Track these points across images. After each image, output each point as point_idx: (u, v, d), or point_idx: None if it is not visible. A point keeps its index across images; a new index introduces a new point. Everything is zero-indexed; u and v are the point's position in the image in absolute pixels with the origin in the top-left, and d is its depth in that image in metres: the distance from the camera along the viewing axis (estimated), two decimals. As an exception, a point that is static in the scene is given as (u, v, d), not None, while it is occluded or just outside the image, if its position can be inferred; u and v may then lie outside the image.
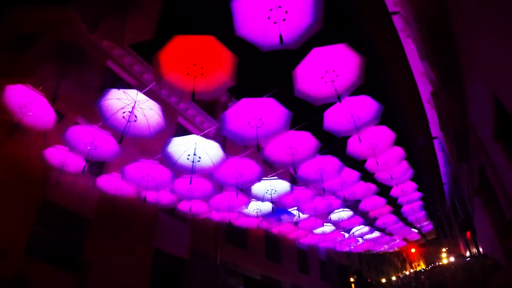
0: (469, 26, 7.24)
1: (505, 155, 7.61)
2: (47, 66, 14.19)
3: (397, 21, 13.46)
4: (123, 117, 10.41)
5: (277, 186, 14.98)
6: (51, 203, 14.94)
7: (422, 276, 29.12)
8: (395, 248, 36.62)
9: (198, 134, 11.85)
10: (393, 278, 40.34)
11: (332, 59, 9.05)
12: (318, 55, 8.81)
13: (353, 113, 10.88)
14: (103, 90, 10.10)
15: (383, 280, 40.79)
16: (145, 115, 10.57)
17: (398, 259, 68.38)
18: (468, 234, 21.23)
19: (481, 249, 18.28)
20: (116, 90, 9.96)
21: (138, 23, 7.87)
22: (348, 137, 12.34)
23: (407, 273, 45.20)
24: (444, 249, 47.04)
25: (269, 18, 7.68)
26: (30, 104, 10.80)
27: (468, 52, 8.10)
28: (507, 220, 10.09)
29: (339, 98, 9.43)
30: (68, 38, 15.32)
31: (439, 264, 37.46)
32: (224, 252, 23.45)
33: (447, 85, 10.51)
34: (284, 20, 7.66)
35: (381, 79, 16.57)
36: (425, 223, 28.81)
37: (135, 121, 10.53)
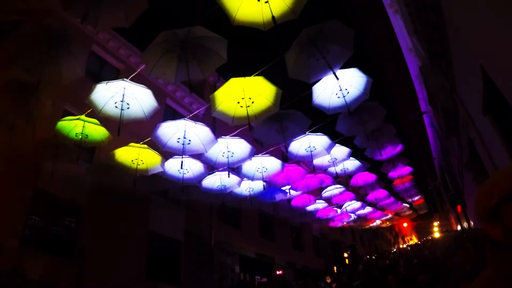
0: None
1: (494, 129, 7.65)
2: (31, 54, 13.98)
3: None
4: (116, 106, 10.39)
5: (267, 164, 15.00)
6: (43, 192, 14.87)
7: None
8: (387, 222, 37.07)
9: (187, 116, 11.83)
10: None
11: (323, 37, 9.09)
12: (308, 34, 8.86)
13: (341, 88, 10.85)
14: (89, 75, 10.08)
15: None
16: (137, 99, 10.52)
17: (391, 233, 69.06)
18: (459, 208, 21.46)
19: (471, 223, 18.49)
20: (103, 83, 9.98)
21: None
22: (338, 114, 12.34)
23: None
24: (435, 223, 47.59)
25: (258, 0, 7.59)
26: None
27: (456, 27, 8.07)
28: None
29: (335, 74, 9.42)
30: (51, 24, 15.08)
31: (430, 239, 37.94)
32: (218, 232, 23.56)
33: (436, 60, 10.52)
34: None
35: (369, 55, 16.55)
36: (416, 198, 29.11)
37: (128, 108, 10.47)
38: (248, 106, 10.34)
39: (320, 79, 10.24)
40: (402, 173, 20.99)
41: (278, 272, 27.34)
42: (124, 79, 10.00)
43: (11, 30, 16.54)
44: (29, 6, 17.51)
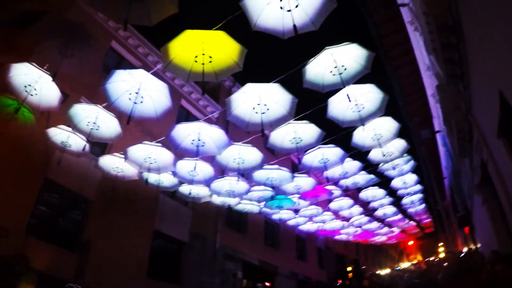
0: (477, 22, 7.22)
1: (508, 153, 7.62)
2: (51, 45, 14.14)
3: (405, 13, 13.41)
4: (129, 98, 10.38)
5: (278, 174, 15.02)
6: (52, 182, 15.06)
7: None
8: (393, 239, 36.84)
9: (201, 118, 11.86)
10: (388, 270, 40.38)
11: (342, 56, 9.24)
12: (329, 53, 9.04)
13: (357, 102, 10.90)
14: (107, 71, 10.03)
15: (382, 272, 40.82)
16: (151, 97, 10.54)
17: (396, 251, 68.49)
18: (467, 229, 21.29)
19: (478, 245, 18.34)
20: (122, 71, 9.91)
21: (161, 3, 7.94)
22: (352, 128, 12.36)
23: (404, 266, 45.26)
24: (441, 244, 47.14)
25: (281, 8, 7.65)
26: (35, 83, 10.65)
27: (476, 48, 8.07)
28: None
29: (343, 84, 9.51)
30: (72, 18, 15.27)
31: (434, 259, 37.58)
32: (223, 236, 23.64)
33: (453, 79, 10.48)
34: (296, 6, 7.62)
35: (387, 71, 16.54)
36: (424, 216, 28.96)
37: (141, 102, 10.49)
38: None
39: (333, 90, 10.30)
40: (412, 191, 20.92)
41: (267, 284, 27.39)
42: (143, 70, 10.01)
43: (33, 20, 16.76)
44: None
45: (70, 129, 12.25)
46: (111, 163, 14.28)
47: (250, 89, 10.25)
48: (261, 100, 10.51)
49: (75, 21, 14.21)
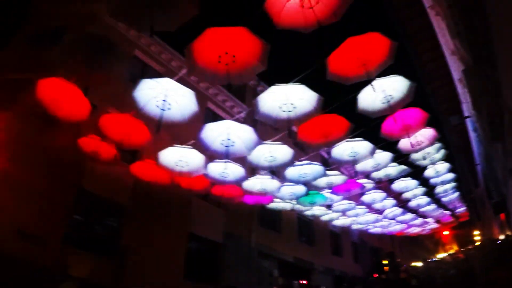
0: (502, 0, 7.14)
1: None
2: (76, 59, 14.42)
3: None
4: (157, 105, 10.56)
5: (310, 169, 15.01)
6: (87, 192, 15.39)
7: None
8: (428, 230, 36.39)
9: (228, 119, 11.93)
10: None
11: (365, 45, 9.15)
12: (351, 43, 8.97)
13: (386, 93, 10.86)
14: (133, 80, 10.15)
15: (419, 264, 40.22)
16: (177, 102, 10.68)
17: (431, 241, 67.57)
18: (502, 216, 20.91)
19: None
20: (148, 80, 10.09)
21: (181, 6, 7.97)
22: (380, 119, 12.27)
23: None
24: (477, 232, 46.30)
25: (303, 6, 7.72)
26: (64, 96, 10.94)
27: (502, 29, 7.97)
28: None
29: (369, 78, 9.48)
30: (95, 30, 15.54)
31: (471, 248, 36.93)
32: (258, 235, 23.76)
33: (480, 63, 10.36)
34: (318, 3, 7.67)
35: (411, 58, 16.38)
36: (458, 205, 28.55)
37: (169, 109, 10.64)
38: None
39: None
40: (444, 179, 20.67)
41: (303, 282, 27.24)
42: (169, 79, 10.15)
43: (58, 36, 17.12)
44: (72, 11, 18.06)
45: (100, 138, 12.56)
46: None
47: (277, 89, 10.46)
48: (288, 99, 10.72)
49: (98, 33, 14.44)
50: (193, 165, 13.52)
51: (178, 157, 13.33)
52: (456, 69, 15.11)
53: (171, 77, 10.63)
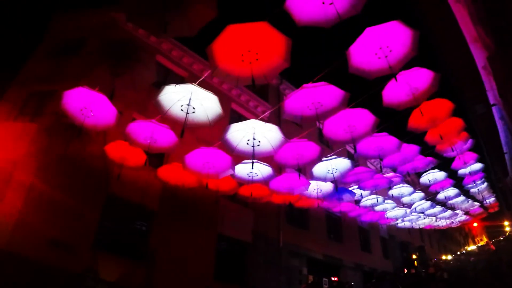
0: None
1: None
2: (100, 68, 14.66)
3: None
4: (181, 109, 10.61)
5: (337, 165, 14.91)
6: (115, 197, 15.68)
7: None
8: (458, 223, 35.96)
9: (253, 119, 11.92)
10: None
11: (385, 36, 9.02)
12: (371, 33, 8.82)
13: (410, 86, 10.74)
14: (156, 85, 10.17)
15: (448, 257, 39.80)
16: (202, 104, 10.72)
17: (460, 234, 66.90)
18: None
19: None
20: (171, 86, 10.12)
21: (198, 10, 7.95)
22: (407, 111, 12.13)
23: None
24: (507, 223, 45.60)
25: (323, 3, 7.73)
26: (90, 104, 11.04)
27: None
28: None
29: (394, 75, 9.38)
30: (116, 38, 15.75)
31: (501, 239, 36.37)
32: (286, 234, 23.78)
33: (504, 48, 10.18)
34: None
35: (432, 48, 16.15)
36: (487, 195, 28.14)
37: (193, 112, 10.69)
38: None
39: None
40: (472, 170, 20.38)
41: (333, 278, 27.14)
42: (192, 83, 10.19)
43: (79, 47, 17.41)
44: (91, 22, 18.35)
45: (127, 144, 12.72)
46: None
47: (303, 90, 10.53)
48: (314, 98, 10.76)
49: (120, 40, 14.65)
50: (219, 166, 13.56)
51: (204, 159, 13.39)
52: (479, 56, 14.88)
53: (195, 80, 10.66)
